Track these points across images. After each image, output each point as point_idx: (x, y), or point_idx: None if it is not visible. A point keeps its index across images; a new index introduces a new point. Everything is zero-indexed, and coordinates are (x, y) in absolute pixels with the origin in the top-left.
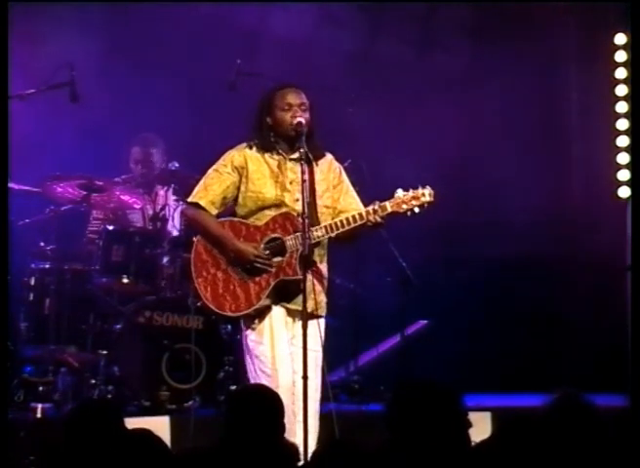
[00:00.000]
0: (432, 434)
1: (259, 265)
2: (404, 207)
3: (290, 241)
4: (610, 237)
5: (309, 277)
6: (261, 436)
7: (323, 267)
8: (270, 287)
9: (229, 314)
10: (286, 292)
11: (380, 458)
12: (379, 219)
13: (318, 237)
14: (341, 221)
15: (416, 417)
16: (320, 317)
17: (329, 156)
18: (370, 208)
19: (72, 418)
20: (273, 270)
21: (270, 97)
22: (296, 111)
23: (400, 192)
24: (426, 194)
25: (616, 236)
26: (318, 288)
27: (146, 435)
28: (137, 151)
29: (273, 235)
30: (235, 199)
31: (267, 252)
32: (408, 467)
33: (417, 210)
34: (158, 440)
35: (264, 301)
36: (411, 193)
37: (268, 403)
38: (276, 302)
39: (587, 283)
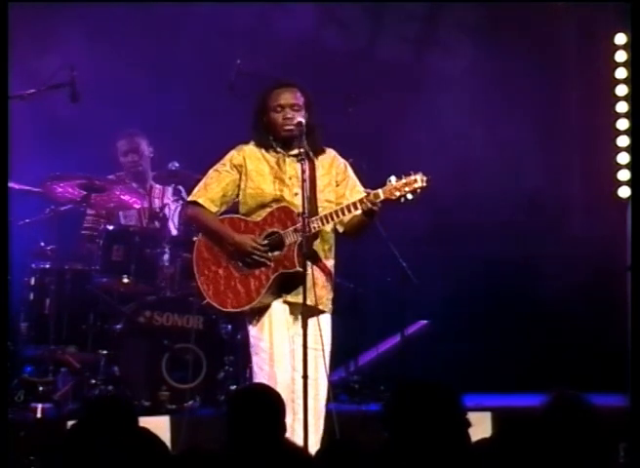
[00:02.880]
0: (430, 434)
1: (257, 257)
2: (397, 193)
3: (288, 234)
4: (610, 237)
5: (310, 270)
6: (262, 435)
7: (329, 263)
8: (270, 280)
9: (231, 310)
10: (287, 285)
11: (379, 458)
12: (371, 207)
13: (314, 228)
14: (336, 212)
15: (412, 417)
16: (323, 312)
17: (332, 152)
18: (363, 196)
19: (89, 412)
20: (272, 264)
21: (265, 96)
22: (287, 113)
23: (393, 179)
24: (418, 180)
25: (616, 236)
26: (320, 282)
27: (144, 434)
28: (123, 143)
29: (271, 229)
30: (237, 198)
31: (266, 241)
32: (406, 467)
33: (409, 196)
34: (156, 438)
35: (266, 297)
36: (403, 180)
37: (269, 402)
38: (278, 296)
39: (587, 283)
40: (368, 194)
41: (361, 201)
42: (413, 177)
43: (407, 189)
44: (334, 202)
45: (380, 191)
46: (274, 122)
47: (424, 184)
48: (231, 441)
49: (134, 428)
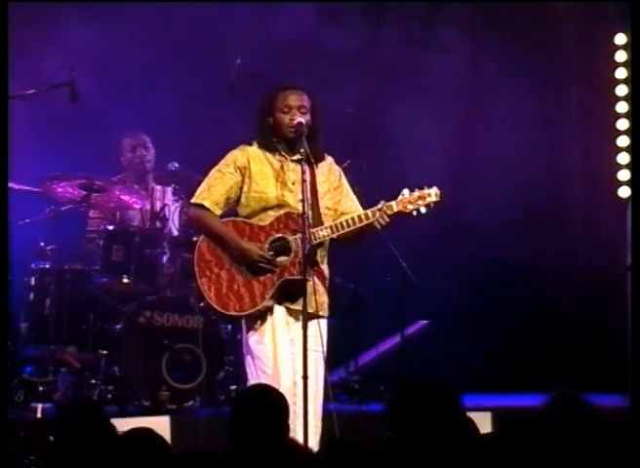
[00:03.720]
0: (432, 433)
1: (263, 265)
2: (410, 207)
3: (294, 241)
4: (610, 237)
5: (312, 277)
6: (266, 436)
7: (325, 268)
8: (275, 286)
9: (233, 314)
10: (289, 293)
11: (380, 458)
12: (383, 220)
13: (323, 237)
14: (347, 221)
15: (414, 417)
16: (322, 318)
17: (329, 159)
18: (375, 208)
19: (56, 422)
20: (277, 270)
21: (272, 97)
22: (294, 114)
23: (406, 192)
24: (432, 194)
25: (616, 236)
26: (321, 288)
27: (148, 434)
28: (130, 140)
29: (277, 235)
30: (237, 199)
31: (272, 252)
32: (408, 466)
33: (423, 210)
34: (160, 439)
35: (268, 302)
36: (417, 193)
37: (273, 402)
38: (280, 303)
39: (587, 283)
40: (381, 207)
41: (374, 213)
42: (427, 191)
43: (420, 202)
44: (332, 209)
45: (393, 203)
46: (280, 122)
47: (438, 199)
48: (234, 441)
49: (106, 430)
